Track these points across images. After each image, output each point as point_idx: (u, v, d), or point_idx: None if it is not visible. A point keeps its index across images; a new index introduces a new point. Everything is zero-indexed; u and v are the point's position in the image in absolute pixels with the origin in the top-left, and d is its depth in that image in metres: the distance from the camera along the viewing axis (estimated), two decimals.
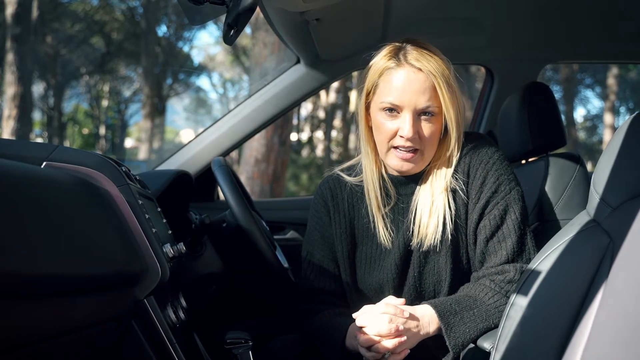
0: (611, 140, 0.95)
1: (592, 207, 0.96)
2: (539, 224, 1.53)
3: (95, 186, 0.88)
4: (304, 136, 15.77)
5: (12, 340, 0.64)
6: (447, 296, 1.24)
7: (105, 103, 16.70)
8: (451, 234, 1.22)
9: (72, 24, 13.31)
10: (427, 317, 1.17)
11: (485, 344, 1.12)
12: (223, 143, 2.00)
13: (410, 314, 1.16)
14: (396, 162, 1.23)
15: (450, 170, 1.24)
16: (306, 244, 1.37)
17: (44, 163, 0.90)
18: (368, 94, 1.25)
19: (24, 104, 8.92)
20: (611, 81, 13.27)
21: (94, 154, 0.96)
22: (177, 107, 18.76)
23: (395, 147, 1.22)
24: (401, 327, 1.13)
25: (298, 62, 1.98)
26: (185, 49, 17.67)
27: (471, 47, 2.10)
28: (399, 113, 1.20)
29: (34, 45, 10.10)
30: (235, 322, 1.64)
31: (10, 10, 9.05)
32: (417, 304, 1.21)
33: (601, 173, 0.94)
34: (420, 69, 1.18)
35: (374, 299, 1.28)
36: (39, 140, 14.03)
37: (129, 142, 18.45)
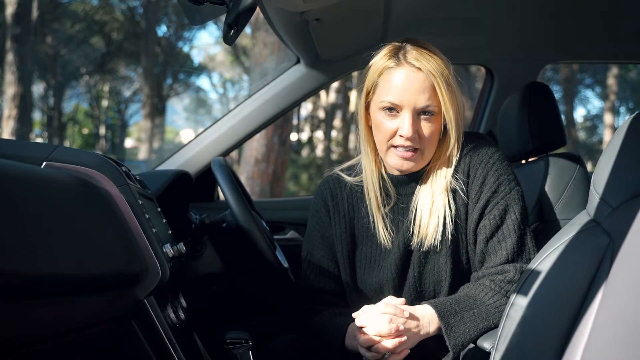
0: (611, 140, 0.95)
1: (592, 207, 0.96)
2: (539, 224, 1.53)
3: (95, 186, 0.88)
4: (304, 136, 15.77)
5: (12, 340, 0.64)
6: (447, 296, 1.24)
7: (105, 103, 16.70)
8: (451, 234, 1.22)
9: (72, 24, 13.30)
10: (427, 317, 1.17)
11: (485, 344, 1.12)
12: (223, 143, 2.00)
13: (411, 314, 1.16)
14: (396, 161, 1.23)
15: (450, 170, 1.24)
16: (306, 244, 1.37)
17: (44, 163, 0.90)
18: (368, 94, 1.25)
19: (24, 104, 8.92)
20: (611, 81, 13.27)
21: (94, 154, 0.96)
22: (177, 107, 18.78)
23: (395, 147, 1.22)
24: (401, 327, 1.13)
25: (298, 62, 1.98)
26: (185, 49, 17.69)
27: (471, 47, 2.10)
28: (398, 112, 1.20)
29: (34, 45, 10.10)
30: (235, 322, 1.64)
31: (10, 10, 9.05)
32: (417, 304, 1.21)
33: (601, 173, 0.94)
34: (419, 69, 1.18)
35: (374, 299, 1.28)
36: (39, 140, 14.03)
37: (129, 142, 18.45)
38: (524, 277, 1.01)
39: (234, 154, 4.87)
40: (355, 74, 2.26)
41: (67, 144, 14.77)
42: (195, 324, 1.22)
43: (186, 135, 18.81)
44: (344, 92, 13.92)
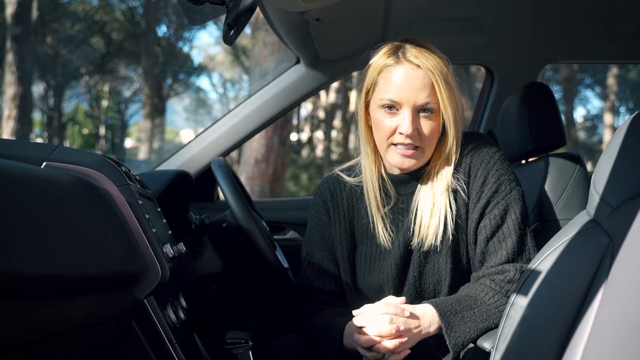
0: (611, 140, 0.95)
1: (592, 207, 0.96)
2: (539, 224, 1.53)
3: (95, 186, 0.88)
4: (304, 136, 15.77)
5: (12, 340, 0.64)
6: (447, 296, 1.24)
7: (105, 103, 16.70)
8: (452, 234, 1.22)
9: (72, 24, 13.30)
10: (427, 317, 1.17)
11: (485, 344, 1.12)
12: (223, 143, 2.00)
13: (411, 313, 1.16)
14: (397, 159, 1.23)
15: (451, 169, 1.24)
16: (306, 244, 1.38)
17: (44, 163, 0.90)
18: (367, 93, 1.25)
19: (24, 104, 8.92)
20: (611, 81, 13.27)
21: (94, 154, 0.96)
22: (177, 107, 18.77)
23: (395, 145, 1.22)
24: (402, 328, 1.13)
25: (298, 62, 1.98)
26: (185, 49, 17.69)
27: (471, 47, 2.10)
28: (398, 110, 1.20)
29: (34, 45, 10.10)
30: (235, 322, 1.64)
31: (10, 10, 9.05)
32: (417, 304, 1.21)
33: (601, 173, 0.94)
34: (418, 66, 1.18)
35: (374, 299, 1.28)
36: (39, 140, 14.03)
37: (129, 142, 18.45)
38: (524, 277, 1.01)
39: (234, 154, 4.87)
40: (355, 74, 2.26)
41: (67, 144, 14.77)
42: (195, 324, 1.22)
43: (186, 135, 18.82)
44: (344, 92, 13.92)
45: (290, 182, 12.90)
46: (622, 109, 15.45)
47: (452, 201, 1.23)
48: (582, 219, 0.98)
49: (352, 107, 13.04)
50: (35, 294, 0.64)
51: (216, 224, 1.56)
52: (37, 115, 13.80)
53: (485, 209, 1.22)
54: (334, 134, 15.15)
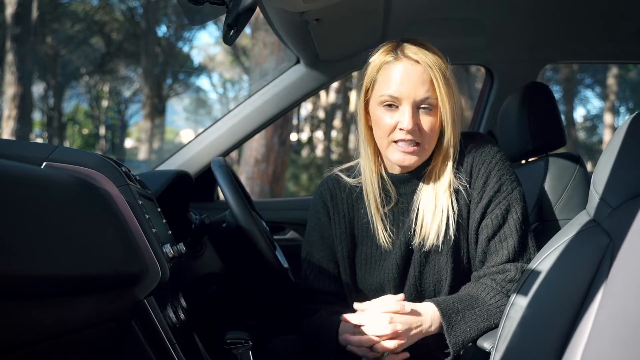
0: (611, 140, 0.95)
1: (592, 207, 0.96)
2: (539, 224, 1.53)
3: (95, 186, 0.88)
4: (304, 136, 15.76)
5: (12, 340, 0.64)
6: (447, 295, 1.24)
7: (105, 103, 16.70)
8: (453, 234, 1.22)
9: (72, 24, 13.30)
10: (429, 315, 1.17)
11: (485, 344, 1.12)
12: (223, 143, 2.00)
13: (412, 310, 1.16)
14: (398, 156, 1.22)
15: (452, 168, 1.24)
16: (306, 244, 1.38)
17: (44, 163, 0.90)
18: (367, 91, 1.25)
19: (24, 104, 8.92)
20: (611, 81, 13.26)
21: (94, 154, 0.96)
22: (177, 107, 18.77)
23: (396, 142, 1.22)
24: (401, 328, 1.14)
25: (298, 62, 1.98)
26: (185, 49, 17.69)
27: (471, 48, 2.10)
28: (397, 107, 1.20)
29: (34, 45, 10.10)
30: (235, 322, 1.63)
31: (10, 10, 9.05)
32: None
33: (601, 173, 0.94)
34: (417, 62, 1.18)
35: (374, 299, 1.28)
36: (39, 140, 14.03)
37: (129, 143, 18.44)
38: (524, 277, 1.01)
39: (234, 154, 4.87)
40: (355, 74, 2.26)
41: (67, 144, 14.77)
42: (195, 324, 1.22)
43: (186, 135, 18.81)
44: (344, 92, 13.92)
45: (290, 182, 12.90)
46: (622, 109, 15.46)
47: (454, 201, 1.23)
48: (582, 219, 0.98)
49: (352, 107, 13.03)
50: (35, 294, 0.64)
51: (216, 224, 1.56)
52: (37, 115, 13.81)
53: (487, 209, 1.22)
54: (334, 134, 15.15)
